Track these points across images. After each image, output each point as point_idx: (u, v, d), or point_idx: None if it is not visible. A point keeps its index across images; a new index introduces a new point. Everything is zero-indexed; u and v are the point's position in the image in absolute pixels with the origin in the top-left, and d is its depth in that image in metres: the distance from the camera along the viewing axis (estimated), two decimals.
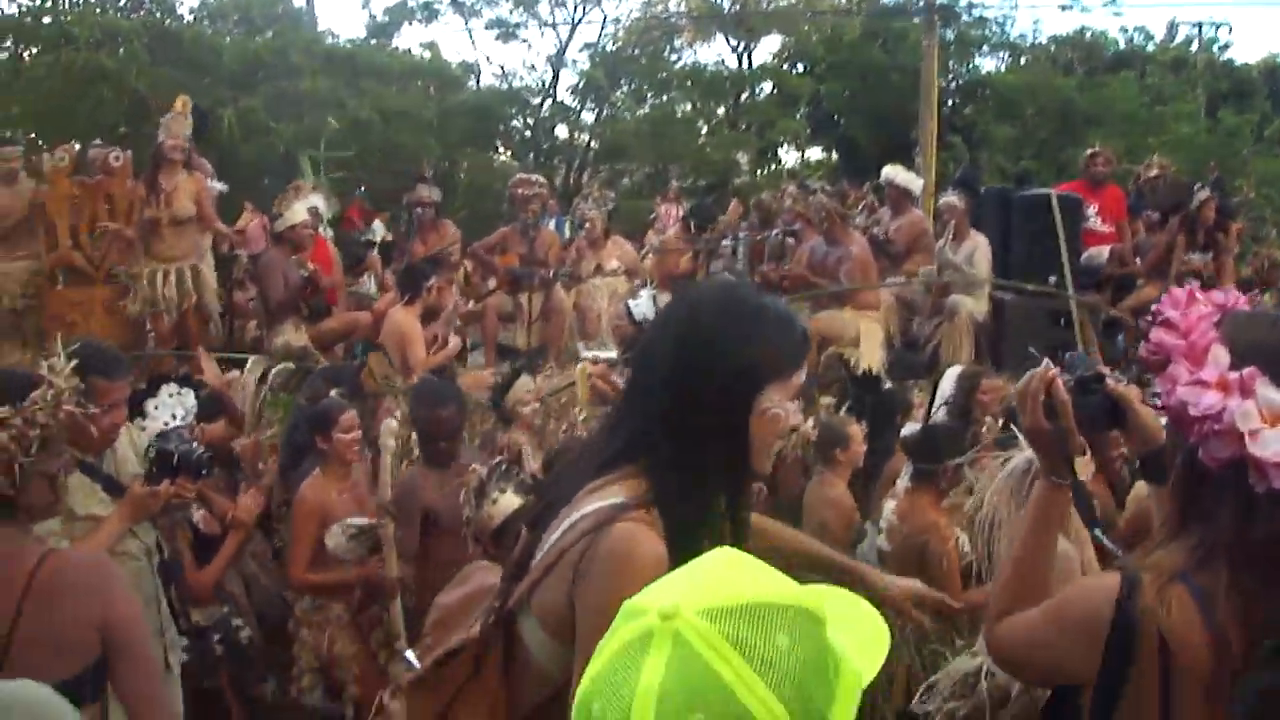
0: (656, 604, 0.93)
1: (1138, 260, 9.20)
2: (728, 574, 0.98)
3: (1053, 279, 8.09)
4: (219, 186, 8.08)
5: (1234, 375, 1.56)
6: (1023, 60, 24.12)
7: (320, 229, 8.49)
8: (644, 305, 7.38)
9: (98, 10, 17.26)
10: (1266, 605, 1.52)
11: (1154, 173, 9.89)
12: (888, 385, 5.91)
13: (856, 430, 4.97)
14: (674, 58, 23.78)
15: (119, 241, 7.34)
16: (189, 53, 16.81)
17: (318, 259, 7.98)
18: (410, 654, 2.36)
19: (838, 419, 5.17)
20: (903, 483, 4.28)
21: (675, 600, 0.92)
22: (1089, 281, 8.96)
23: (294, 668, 4.61)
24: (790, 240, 8.49)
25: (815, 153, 24.77)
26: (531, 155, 21.10)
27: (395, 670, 2.61)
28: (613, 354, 6.97)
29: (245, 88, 16.72)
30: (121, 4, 18.12)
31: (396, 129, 16.58)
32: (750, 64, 24.18)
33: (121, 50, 16.27)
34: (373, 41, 21.44)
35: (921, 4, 12.32)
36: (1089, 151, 9.69)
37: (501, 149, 21.49)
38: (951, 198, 8.05)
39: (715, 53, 26.75)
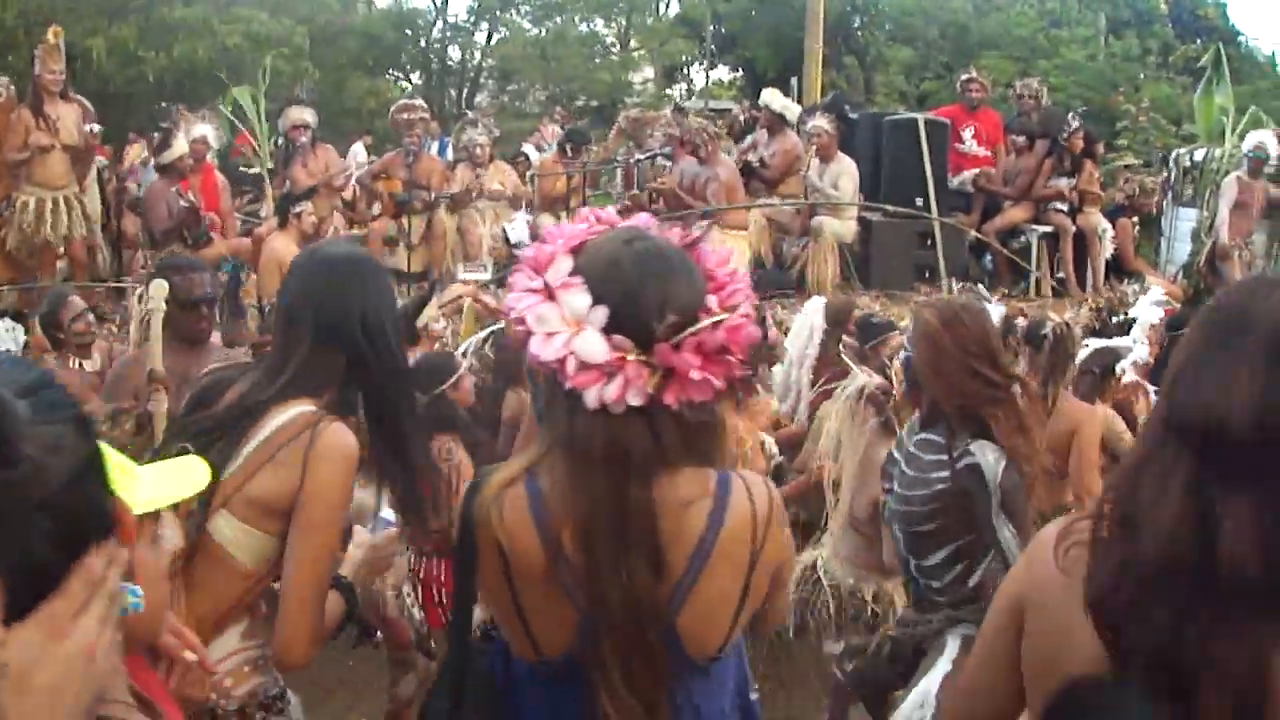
0: None
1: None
2: None
3: (919, 200, 8.38)
4: (96, 128, 7.97)
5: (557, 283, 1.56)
6: None
7: (210, 157, 8.48)
8: (519, 228, 7.49)
9: None
10: (587, 499, 1.53)
11: (1013, 93, 10.19)
12: None
13: None
14: None
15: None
16: None
17: (206, 187, 8.11)
18: None
19: None
20: None
21: None
22: (961, 203, 9.25)
23: None
24: (666, 163, 8.63)
25: (724, 73, 24.75)
26: (423, 77, 20.75)
27: None
28: (486, 275, 7.10)
29: (116, 16, 16.35)
30: None
31: (271, 55, 16.34)
32: None
33: None
34: None
35: None
36: (964, 76, 9.95)
37: (391, 73, 21.14)
38: (820, 121, 8.23)
39: None
